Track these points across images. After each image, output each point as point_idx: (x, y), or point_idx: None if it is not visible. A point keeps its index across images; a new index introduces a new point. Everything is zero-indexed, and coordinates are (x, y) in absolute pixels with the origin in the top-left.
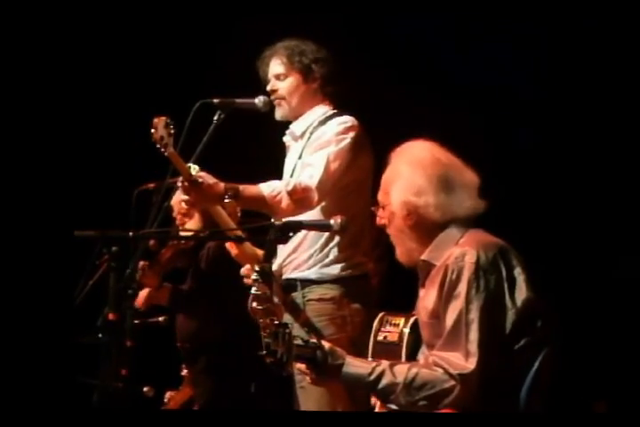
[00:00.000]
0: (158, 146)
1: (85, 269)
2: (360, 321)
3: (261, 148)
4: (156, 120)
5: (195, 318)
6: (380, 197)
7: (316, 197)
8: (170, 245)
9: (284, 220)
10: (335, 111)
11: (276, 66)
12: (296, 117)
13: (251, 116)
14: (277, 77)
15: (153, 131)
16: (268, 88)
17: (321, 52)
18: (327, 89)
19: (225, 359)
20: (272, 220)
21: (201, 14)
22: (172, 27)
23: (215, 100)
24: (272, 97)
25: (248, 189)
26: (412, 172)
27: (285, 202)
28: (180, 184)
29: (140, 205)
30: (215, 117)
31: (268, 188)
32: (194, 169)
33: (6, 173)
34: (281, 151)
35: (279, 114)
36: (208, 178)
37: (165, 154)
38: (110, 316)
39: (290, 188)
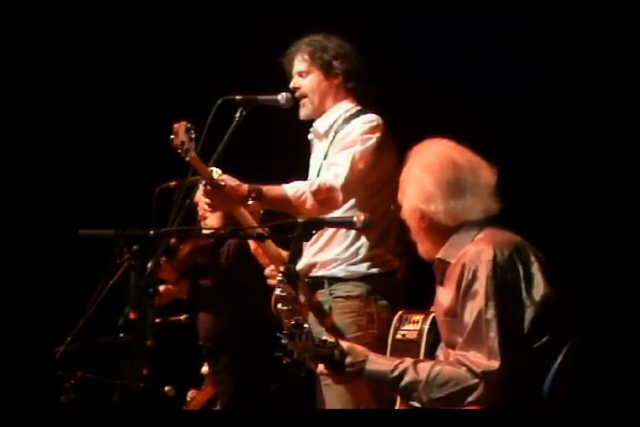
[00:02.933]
0: (179, 151)
1: (106, 268)
2: (386, 318)
3: (286, 145)
4: (176, 125)
5: (216, 317)
6: (399, 196)
7: (340, 196)
8: (189, 241)
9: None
10: (359, 108)
11: (298, 63)
12: (320, 115)
13: (274, 113)
14: (300, 75)
15: (173, 137)
16: (291, 85)
17: (344, 47)
18: (350, 85)
19: (246, 358)
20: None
21: (222, 9)
22: (192, 23)
23: (237, 97)
24: (296, 94)
25: (272, 190)
26: (422, 177)
27: (310, 202)
28: (202, 188)
29: (161, 203)
30: (237, 114)
31: (291, 188)
32: (216, 173)
33: (28, 172)
34: (306, 149)
35: (303, 113)
36: (230, 180)
37: (187, 159)
38: (131, 315)
39: (314, 188)
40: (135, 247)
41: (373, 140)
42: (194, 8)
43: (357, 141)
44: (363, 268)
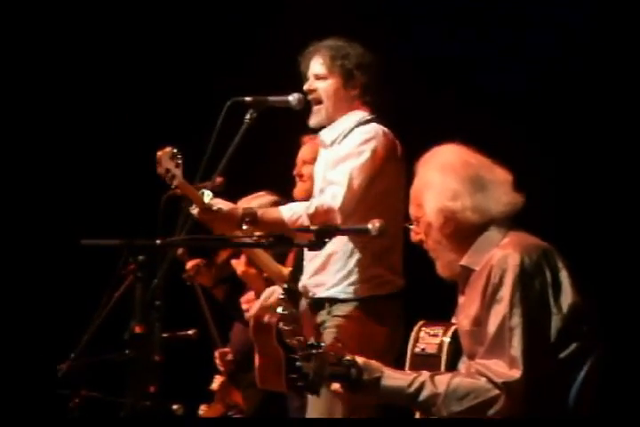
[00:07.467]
0: (165, 179)
1: (110, 280)
2: (384, 342)
3: (294, 148)
4: (159, 153)
5: (247, 331)
6: (412, 210)
7: (339, 218)
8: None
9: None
10: (368, 118)
11: (317, 65)
12: (330, 123)
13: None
14: (317, 77)
15: (157, 165)
16: (306, 87)
17: (366, 57)
18: (366, 98)
19: None
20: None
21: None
22: (202, 23)
23: (247, 98)
24: (309, 97)
25: (267, 214)
26: (443, 177)
27: (306, 226)
28: (193, 212)
29: (167, 212)
30: (247, 116)
31: (288, 211)
32: (207, 196)
33: (31, 180)
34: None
35: (315, 121)
36: (222, 204)
37: (173, 186)
38: (137, 329)
39: (311, 211)
40: (141, 258)
41: (367, 153)
42: (203, 8)
43: (352, 155)
44: (360, 289)
